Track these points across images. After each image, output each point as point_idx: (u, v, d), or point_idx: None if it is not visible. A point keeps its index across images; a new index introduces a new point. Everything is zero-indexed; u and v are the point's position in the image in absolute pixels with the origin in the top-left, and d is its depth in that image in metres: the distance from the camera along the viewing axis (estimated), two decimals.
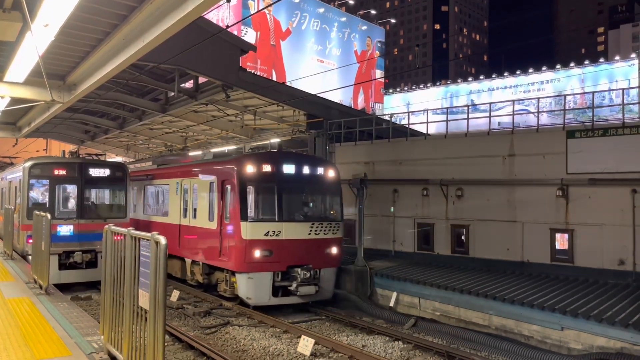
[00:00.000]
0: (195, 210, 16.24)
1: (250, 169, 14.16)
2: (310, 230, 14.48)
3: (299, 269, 13.86)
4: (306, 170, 14.99)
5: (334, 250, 14.94)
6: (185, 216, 16.85)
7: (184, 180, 17.15)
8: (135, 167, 24.07)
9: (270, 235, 13.86)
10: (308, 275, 13.87)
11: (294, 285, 13.85)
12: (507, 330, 12.69)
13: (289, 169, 14.70)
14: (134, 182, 20.39)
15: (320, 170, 15.26)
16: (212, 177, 15.32)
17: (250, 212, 13.95)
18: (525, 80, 55.24)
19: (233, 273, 14.18)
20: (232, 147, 26.74)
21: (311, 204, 15.44)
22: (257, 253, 13.64)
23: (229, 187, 14.43)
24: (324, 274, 14.62)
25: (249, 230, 13.70)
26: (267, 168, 14.38)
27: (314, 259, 14.30)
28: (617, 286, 13.93)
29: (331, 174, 15.48)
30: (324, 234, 14.70)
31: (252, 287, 13.70)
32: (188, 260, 16.67)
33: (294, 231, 14.23)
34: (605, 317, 11.05)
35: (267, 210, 14.23)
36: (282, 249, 13.93)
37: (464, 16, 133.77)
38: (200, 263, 15.84)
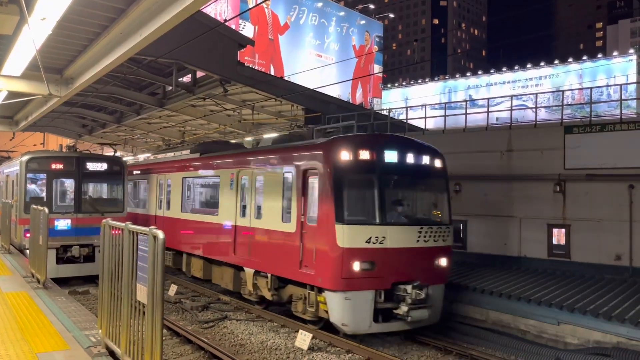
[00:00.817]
0: (259, 208, 13.15)
1: (345, 155, 10.92)
2: (419, 237, 11.20)
3: (409, 287, 10.67)
4: (411, 158, 11.67)
5: (444, 261, 11.61)
6: (243, 215, 13.68)
7: (242, 171, 13.94)
8: (164, 157, 20.82)
9: (373, 243, 10.61)
10: (423, 295, 10.67)
11: (404, 308, 10.63)
12: (504, 325, 12.74)
13: (391, 156, 11.42)
14: (159, 173, 18.95)
15: (426, 159, 11.97)
16: (288, 167, 12.12)
17: (347, 211, 10.71)
18: (523, 76, 55.23)
19: (320, 290, 11.00)
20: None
21: (419, 202, 12.38)
22: (357, 266, 10.42)
23: (315, 179, 11.25)
24: (433, 292, 11.24)
25: (347, 236, 10.44)
26: (365, 155, 11.11)
27: (422, 273, 11.04)
28: (614, 281, 13.99)
29: (438, 163, 12.18)
30: (434, 241, 11.40)
31: (349, 310, 10.46)
32: (249, 271, 13.38)
33: (401, 237, 10.99)
34: (602, 312, 11.11)
35: (367, 210, 11.10)
36: (386, 260, 10.69)
37: (462, 11, 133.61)
38: (269, 275, 12.55)
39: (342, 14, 61.28)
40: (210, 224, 15.30)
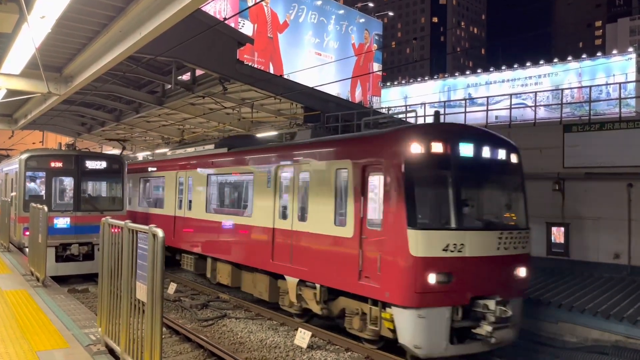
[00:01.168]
0: (303, 209, 11.64)
1: (418, 148, 9.36)
2: (499, 243, 9.64)
3: (491, 302, 9.09)
4: (487, 151, 10.08)
5: (524, 271, 10.04)
6: (283, 217, 12.22)
7: (281, 167, 12.48)
8: (184, 153, 18.91)
9: (450, 251, 9.11)
10: (509, 313, 9.07)
11: (488, 327, 9.06)
12: None
13: (467, 149, 9.83)
14: (178, 170, 17.55)
15: (502, 152, 10.37)
16: (343, 163, 10.56)
17: (420, 214, 9.34)
18: (522, 74, 55.25)
19: (384, 305, 9.56)
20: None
21: (496, 203, 10.86)
22: (433, 278, 8.93)
23: (378, 176, 9.76)
24: (514, 307, 9.45)
25: (421, 243, 8.96)
26: (440, 147, 9.56)
27: (503, 286, 9.54)
28: (612, 280, 14.02)
29: (514, 158, 10.60)
30: (514, 248, 9.84)
31: (423, 329, 9.01)
32: (291, 280, 11.82)
33: (480, 244, 9.47)
34: (600, 311, 11.14)
35: (442, 213, 9.62)
36: (465, 271, 9.22)
37: (462, 9, 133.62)
38: (317, 286, 10.97)
39: (341, 12, 61.29)
40: (241, 226, 13.86)
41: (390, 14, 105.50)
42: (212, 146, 17.03)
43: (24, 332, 7.23)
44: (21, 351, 6.42)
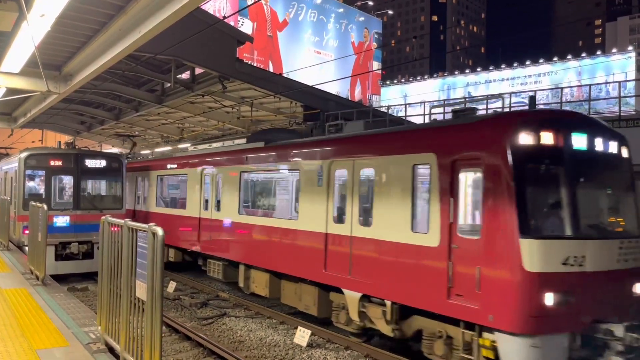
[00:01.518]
0: (367, 211, 9.96)
1: (527, 138, 7.67)
2: (619, 255, 7.94)
3: (618, 328, 7.41)
4: (600, 144, 8.38)
5: None
6: (339, 221, 10.47)
7: (335, 163, 10.70)
8: (208, 148, 17.01)
9: (571, 265, 7.43)
10: None
11: (616, 359, 7.40)
12: None
13: (580, 141, 8.11)
14: (204, 167, 15.74)
15: (614, 146, 8.68)
16: (423, 157, 8.81)
17: (534, 220, 7.66)
18: (522, 73, 55.32)
19: (481, 330, 7.83)
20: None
21: (610, 206, 9.00)
22: (551, 298, 7.25)
23: (474, 172, 8.20)
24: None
25: (537, 255, 7.28)
26: (550, 138, 7.81)
27: (624, 306, 7.84)
28: None
29: (625, 152, 8.90)
30: (634, 260, 8.12)
31: None
32: (352, 294, 9.97)
33: (601, 256, 7.74)
34: None
35: (559, 218, 7.84)
36: (586, 289, 7.54)
37: (461, 8, 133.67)
38: (388, 303, 9.25)
39: (341, 10, 61.31)
40: (283, 231, 12.15)
41: (390, 12, 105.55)
42: (243, 140, 15.05)
43: (24, 331, 7.24)
44: (21, 349, 6.42)
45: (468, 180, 8.36)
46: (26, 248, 14.14)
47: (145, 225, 5.13)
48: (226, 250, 14.37)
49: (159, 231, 4.86)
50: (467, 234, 8.07)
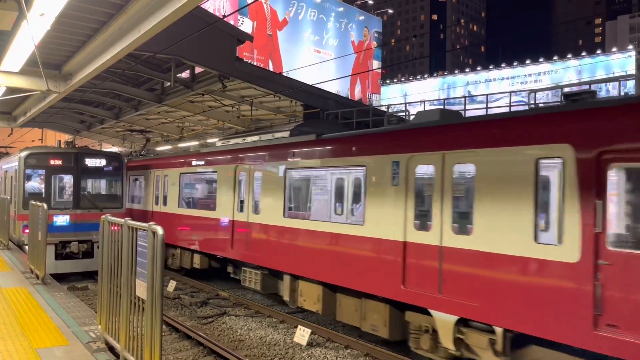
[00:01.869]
0: (463, 217, 8.49)
1: None
2: None
3: None
4: None
5: None
6: (422, 227, 8.91)
7: (415, 157, 9.03)
8: (242, 143, 14.99)
9: None
10: None
11: None
12: None
13: None
14: (238, 164, 14.11)
15: None
16: (551, 149, 7.10)
17: None
18: (522, 72, 55.30)
19: None
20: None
21: None
22: None
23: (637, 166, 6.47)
24: None
25: None
26: None
27: None
28: None
29: None
30: None
31: None
32: (444, 318, 8.31)
33: None
34: None
35: None
36: None
37: (461, 7, 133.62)
38: (499, 330, 7.59)
39: (340, 9, 61.26)
40: (344, 237, 10.40)
41: (390, 11, 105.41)
42: (286, 133, 13.20)
43: (24, 330, 7.25)
44: (21, 348, 6.43)
45: (624, 177, 6.64)
46: (26, 247, 14.14)
47: (145, 225, 5.14)
48: (267, 258, 12.67)
49: (159, 230, 4.87)
50: (623, 246, 6.47)
